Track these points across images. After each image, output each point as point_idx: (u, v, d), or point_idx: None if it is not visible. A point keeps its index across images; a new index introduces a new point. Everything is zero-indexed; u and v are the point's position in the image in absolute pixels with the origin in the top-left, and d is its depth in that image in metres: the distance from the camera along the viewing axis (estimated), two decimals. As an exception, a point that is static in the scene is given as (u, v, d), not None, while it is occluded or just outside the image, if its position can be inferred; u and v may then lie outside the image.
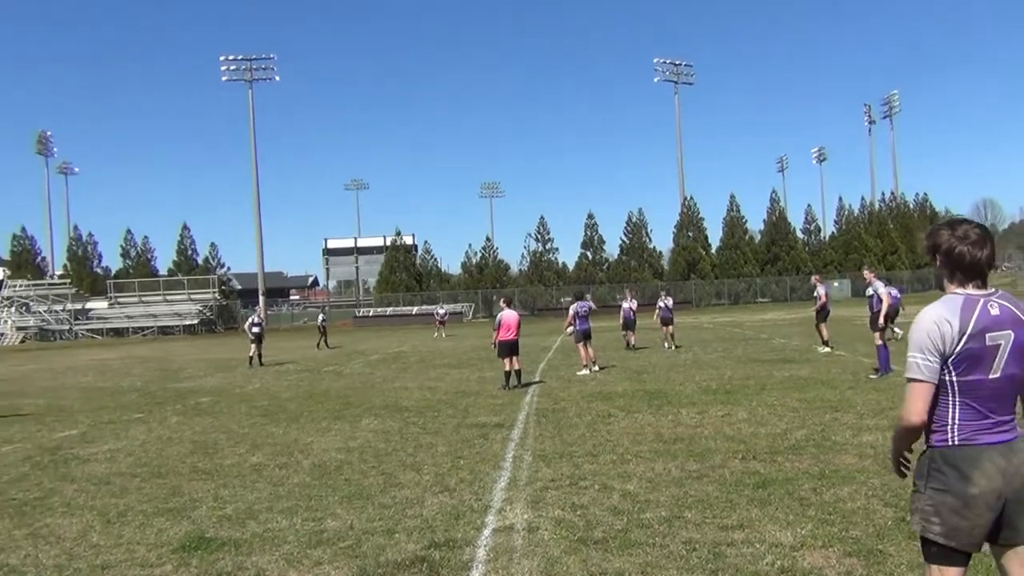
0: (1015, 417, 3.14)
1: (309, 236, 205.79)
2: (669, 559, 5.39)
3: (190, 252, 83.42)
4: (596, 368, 18.87)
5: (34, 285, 74.28)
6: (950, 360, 3.05)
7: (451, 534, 6.20)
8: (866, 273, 16.73)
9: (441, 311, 49.11)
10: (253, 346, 26.88)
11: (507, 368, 16.24)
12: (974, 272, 3.11)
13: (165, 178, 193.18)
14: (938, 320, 3.05)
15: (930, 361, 3.05)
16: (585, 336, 19.00)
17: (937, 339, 3.04)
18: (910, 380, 3.09)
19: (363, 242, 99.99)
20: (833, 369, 16.69)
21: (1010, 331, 3.06)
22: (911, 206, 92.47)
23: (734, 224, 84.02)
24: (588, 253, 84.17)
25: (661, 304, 25.87)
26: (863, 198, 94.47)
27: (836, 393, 12.99)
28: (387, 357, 28.68)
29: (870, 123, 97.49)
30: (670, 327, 25.61)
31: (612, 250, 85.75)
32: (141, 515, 7.27)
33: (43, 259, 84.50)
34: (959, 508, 3.02)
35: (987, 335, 3.03)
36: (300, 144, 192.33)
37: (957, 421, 3.07)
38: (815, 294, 21.40)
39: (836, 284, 21.09)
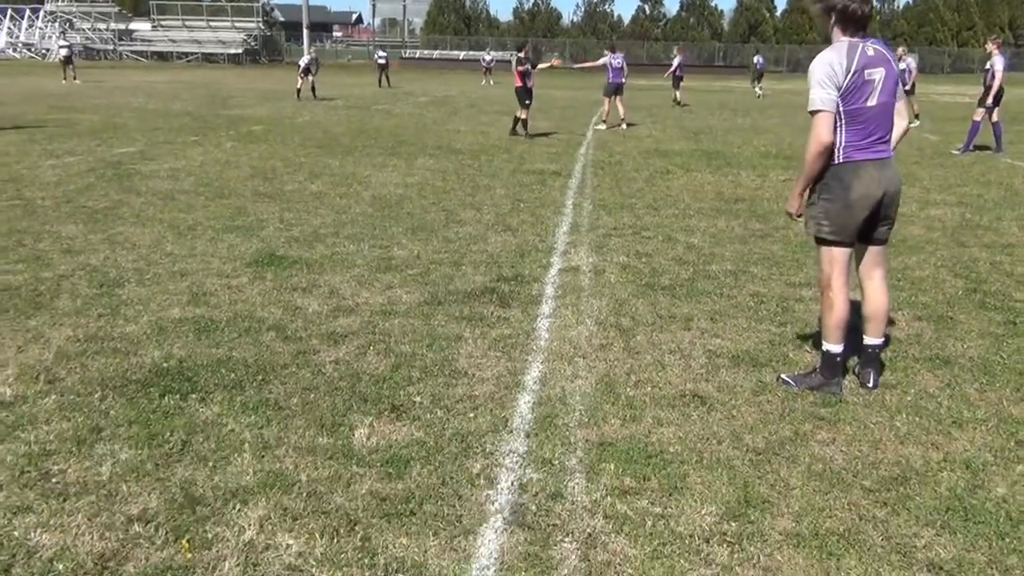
0: (888, 138, 3.99)
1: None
2: (737, 309, 5.44)
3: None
4: (624, 127, 18.44)
5: (77, 1, 72.54)
6: (840, 92, 3.82)
7: (518, 270, 6.27)
8: (989, 45, 15.42)
9: (488, 58, 47.30)
10: (300, 78, 26.50)
11: (521, 116, 16.16)
12: (860, 24, 3.87)
13: None
14: (832, 62, 3.81)
15: (830, 94, 3.81)
16: (616, 91, 18.76)
17: (833, 76, 3.81)
18: (817, 111, 3.84)
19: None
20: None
21: (882, 68, 3.85)
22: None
23: (804, -15, 78.78)
24: (646, 7, 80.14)
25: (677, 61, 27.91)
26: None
27: (901, 168, 12.58)
28: (436, 100, 28.20)
29: None
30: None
31: (672, 6, 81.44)
32: (211, 230, 7.42)
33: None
34: (841, 210, 3.91)
35: (865, 71, 3.81)
36: None
37: (843, 142, 3.88)
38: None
39: (910, 59, 19.88)
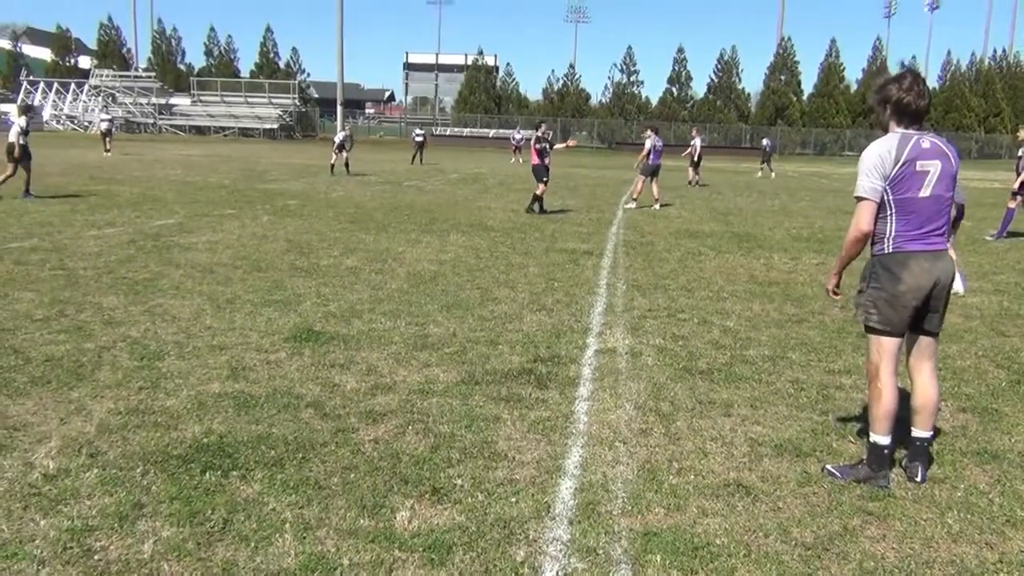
0: (944, 231, 3.97)
1: (388, 49, 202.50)
2: (777, 396, 5.38)
3: (272, 55, 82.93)
4: (658, 206, 18.66)
5: (120, 76, 74.97)
6: (889, 182, 3.86)
7: (554, 351, 6.26)
8: (1021, 133, 15.67)
9: (517, 136, 47.97)
10: (335, 154, 27.03)
11: (538, 192, 16.55)
12: (916, 117, 3.92)
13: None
14: (881, 152, 3.87)
15: (875, 184, 3.87)
16: (654, 172, 19.29)
17: (880, 166, 3.86)
18: (861, 199, 3.93)
19: (444, 59, 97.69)
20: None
21: (938, 161, 3.87)
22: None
23: (831, 70, 79.63)
24: (674, 89, 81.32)
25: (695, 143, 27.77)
26: (973, 54, 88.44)
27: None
28: (466, 177, 28.63)
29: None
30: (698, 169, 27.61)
31: (699, 88, 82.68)
32: (249, 304, 7.49)
33: (128, 51, 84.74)
34: (890, 300, 3.92)
35: (917, 162, 3.84)
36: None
37: (893, 233, 3.91)
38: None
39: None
